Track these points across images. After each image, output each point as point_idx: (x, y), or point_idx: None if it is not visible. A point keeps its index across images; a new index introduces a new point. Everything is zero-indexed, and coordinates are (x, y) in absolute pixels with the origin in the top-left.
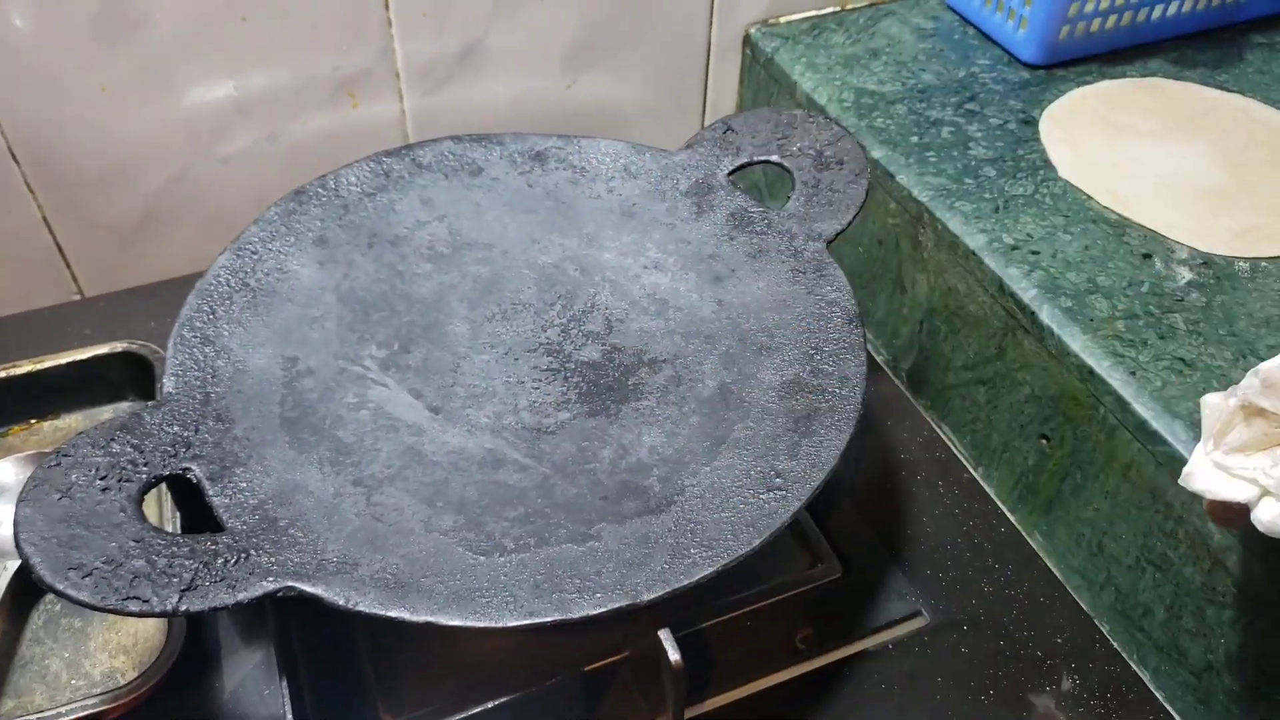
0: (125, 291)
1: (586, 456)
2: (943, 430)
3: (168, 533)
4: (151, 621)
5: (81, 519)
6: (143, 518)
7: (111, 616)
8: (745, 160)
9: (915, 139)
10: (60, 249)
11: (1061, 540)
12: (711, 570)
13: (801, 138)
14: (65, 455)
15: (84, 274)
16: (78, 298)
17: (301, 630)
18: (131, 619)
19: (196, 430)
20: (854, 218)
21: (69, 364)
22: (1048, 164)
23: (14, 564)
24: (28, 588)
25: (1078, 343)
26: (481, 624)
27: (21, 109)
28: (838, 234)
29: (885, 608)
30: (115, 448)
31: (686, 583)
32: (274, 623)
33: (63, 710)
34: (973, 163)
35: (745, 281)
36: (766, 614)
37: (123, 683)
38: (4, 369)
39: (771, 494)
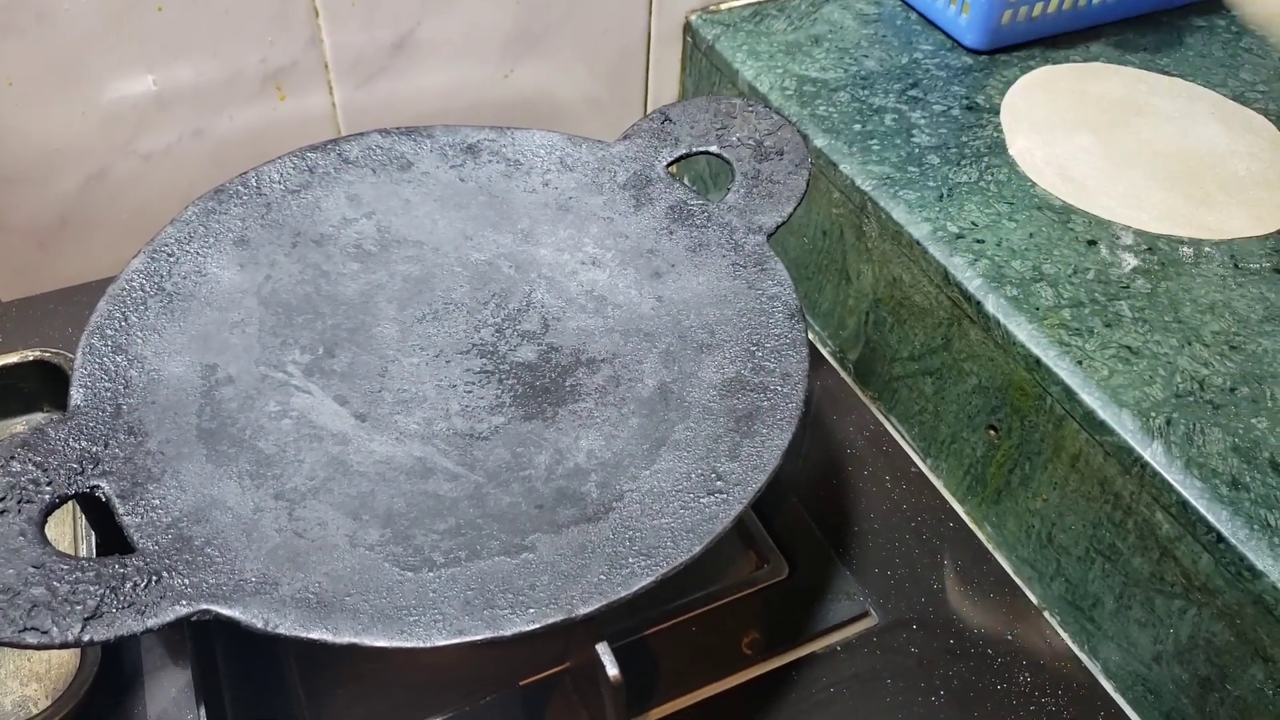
0: (43, 296)
1: (521, 463)
2: (891, 422)
3: (72, 557)
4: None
5: None
6: (45, 541)
7: None
8: (684, 151)
9: (858, 127)
10: None
11: (1011, 531)
12: (650, 580)
13: (741, 127)
14: None
15: (1, 278)
16: None
17: (226, 650)
18: None
19: (106, 445)
20: (795, 209)
21: None
22: (991, 150)
23: None
24: None
25: (1024, 332)
26: (408, 644)
27: None
28: (778, 226)
29: (833, 608)
30: (15, 466)
31: (624, 594)
32: (192, 645)
33: None
34: (916, 150)
35: (685, 276)
36: (711, 619)
37: (35, 711)
38: None
39: (712, 497)
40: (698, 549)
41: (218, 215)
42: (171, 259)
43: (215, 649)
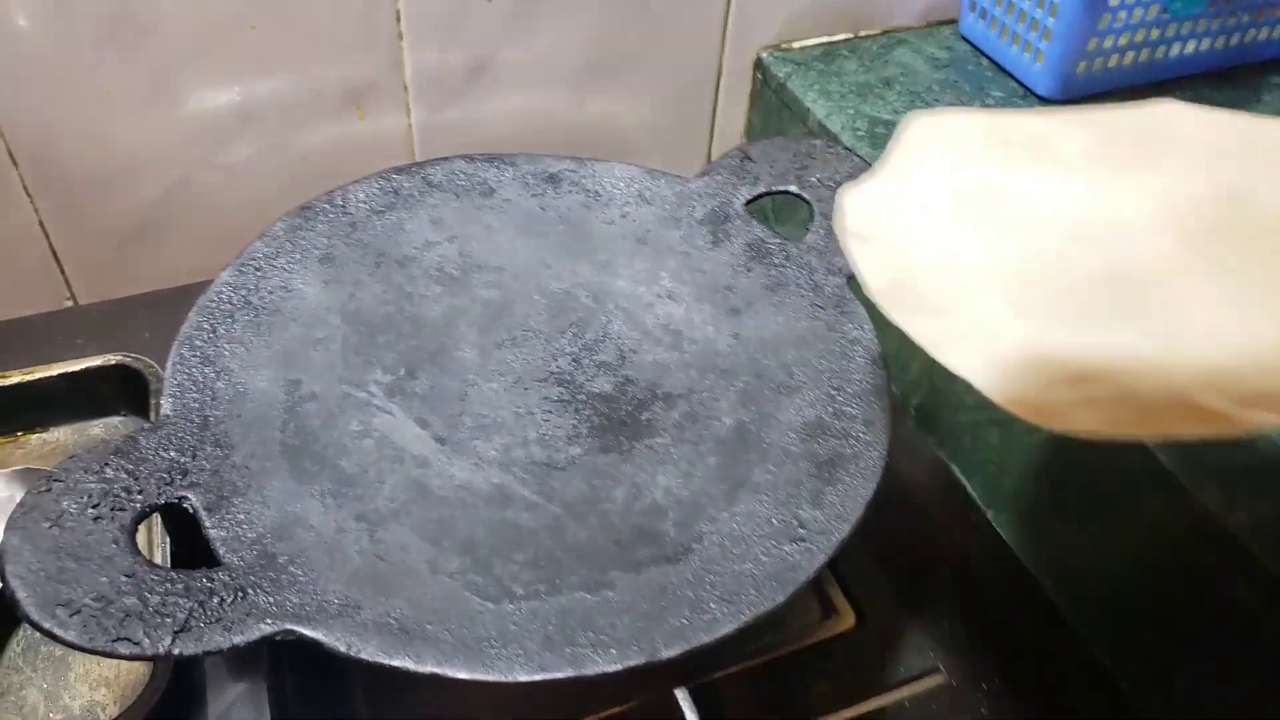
0: (120, 300)
1: (599, 496)
2: (953, 470)
3: (162, 568)
4: None
5: (72, 550)
6: (136, 550)
7: None
8: (763, 190)
9: None
10: (55, 254)
11: (1075, 590)
12: (734, 627)
13: (821, 168)
14: (57, 480)
15: (79, 281)
16: (70, 304)
17: (293, 668)
18: None
19: (194, 456)
20: None
21: (60, 375)
22: None
23: None
24: (7, 614)
25: None
26: (490, 678)
27: (23, 110)
28: None
29: (902, 662)
30: (109, 473)
31: (707, 640)
32: (268, 663)
33: None
34: None
35: (763, 315)
36: (778, 667)
37: (104, 718)
38: None
39: (795, 545)
40: (781, 598)
41: (304, 232)
42: (259, 273)
43: (284, 666)
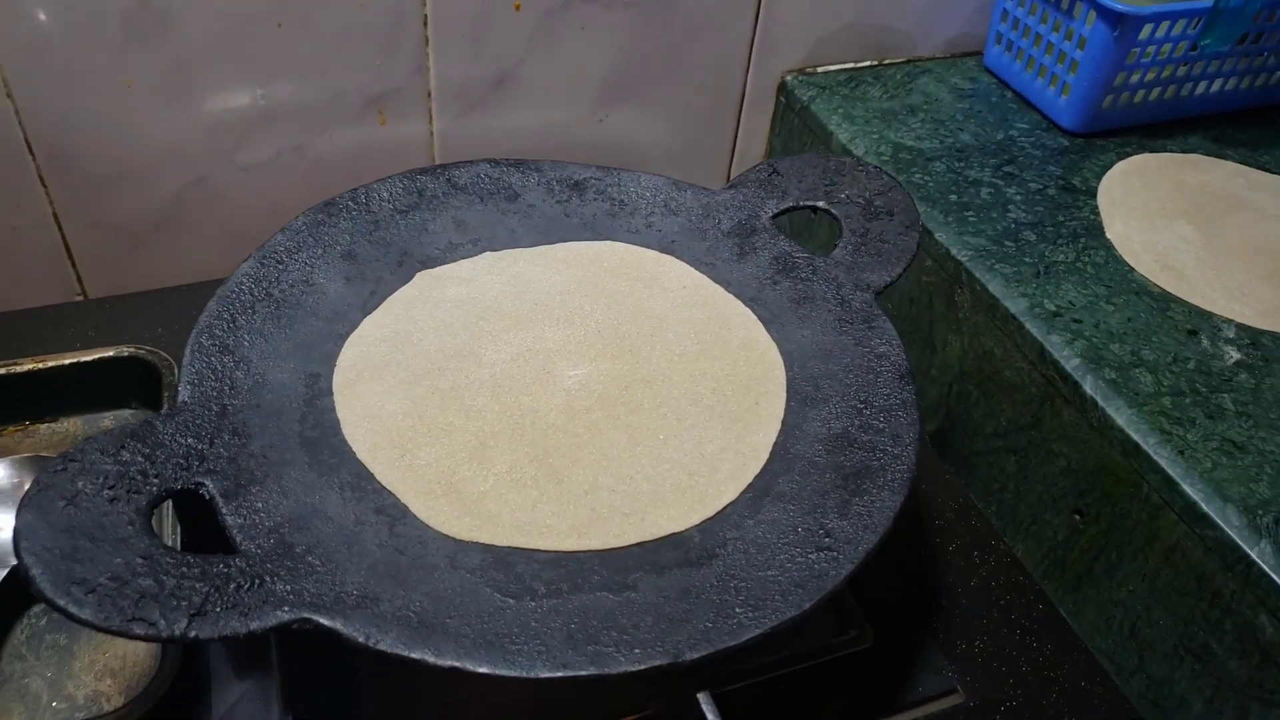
0: (130, 295)
1: None
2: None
3: (177, 551)
4: (142, 645)
5: (86, 530)
6: (152, 533)
7: (99, 636)
8: (791, 204)
9: (954, 197)
10: (68, 247)
11: (1089, 620)
12: (759, 632)
13: (850, 185)
14: (73, 460)
15: (89, 274)
16: (80, 299)
17: (301, 665)
18: (120, 640)
19: (211, 443)
20: (904, 270)
21: (72, 365)
22: (1088, 231)
23: (1, 573)
24: (11, 600)
25: (1123, 417)
26: (511, 673)
27: (42, 101)
28: (887, 285)
29: (919, 682)
30: (125, 456)
31: (731, 644)
32: (277, 653)
33: None
34: (1013, 225)
35: (789, 328)
36: (794, 681)
37: (108, 709)
38: (3, 366)
39: (821, 554)
40: (808, 605)
41: (327, 228)
42: (280, 266)
43: (293, 659)
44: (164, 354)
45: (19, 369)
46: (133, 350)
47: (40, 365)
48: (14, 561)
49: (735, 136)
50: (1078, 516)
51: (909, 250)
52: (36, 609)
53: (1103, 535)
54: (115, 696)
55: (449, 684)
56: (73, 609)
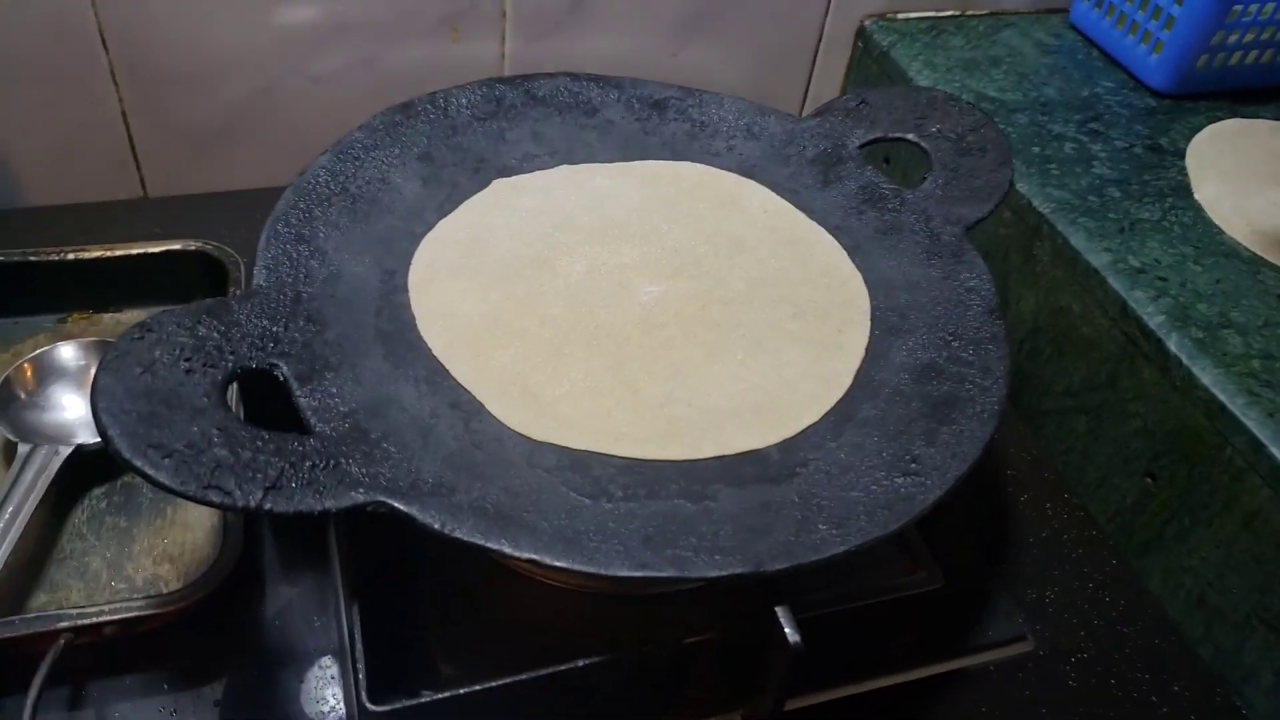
0: (191, 196)
1: None
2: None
3: (252, 426)
4: (200, 532)
5: (163, 397)
6: (226, 407)
7: (159, 521)
8: (879, 134)
9: (1037, 149)
10: (133, 145)
11: (1154, 587)
12: (844, 549)
13: (941, 120)
14: (149, 330)
15: (151, 174)
16: (140, 196)
17: (363, 559)
18: (179, 526)
19: (286, 327)
20: (996, 206)
21: (140, 255)
22: (1175, 192)
23: (66, 451)
24: (76, 478)
25: (1209, 376)
26: (590, 569)
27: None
28: (979, 220)
29: (988, 627)
30: (201, 331)
31: (815, 558)
32: (343, 545)
33: (104, 609)
34: (1096, 181)
35: (873, 257)
36: (860, 616)
37: (166, 591)
38: (73, 251)
39: (907, 479)
40: (894, 526)
41: (404, 129)
42: (358, 162)
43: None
44: (232, 251)
45: (87, 255)
46: (200, 245)
47: (108, 253)
48: (78, 441)
49: (809, 80)
50: (1149, 480)
51: (1001, 187)
52: (98, 490)
53: (1176, 499)
54: (173, 581)
55: (513, 585)
56: (149, 471)
